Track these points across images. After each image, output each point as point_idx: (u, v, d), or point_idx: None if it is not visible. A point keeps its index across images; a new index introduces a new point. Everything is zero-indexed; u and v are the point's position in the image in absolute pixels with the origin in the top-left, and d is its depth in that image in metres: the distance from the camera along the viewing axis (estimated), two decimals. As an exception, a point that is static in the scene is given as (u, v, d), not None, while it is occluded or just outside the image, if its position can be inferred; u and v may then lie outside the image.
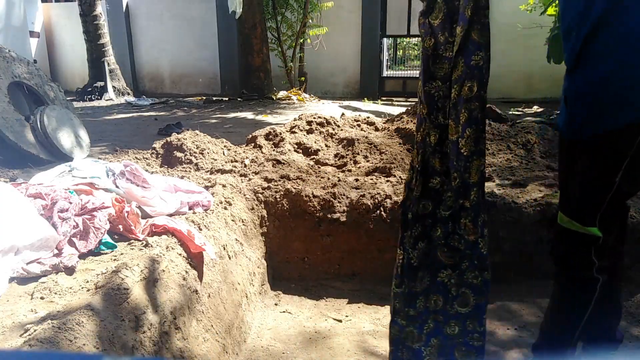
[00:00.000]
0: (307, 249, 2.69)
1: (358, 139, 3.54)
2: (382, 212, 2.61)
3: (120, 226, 1.93)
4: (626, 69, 1.32)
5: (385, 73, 10.41)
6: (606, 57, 1.34)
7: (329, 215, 2.64)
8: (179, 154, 3.28)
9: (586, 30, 1.35)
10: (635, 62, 1.30)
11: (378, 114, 6.26)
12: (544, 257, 2.54)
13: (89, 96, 9.25)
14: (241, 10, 7.89)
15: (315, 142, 3.63)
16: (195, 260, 1.90)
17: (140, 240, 1.89)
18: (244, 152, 3.50)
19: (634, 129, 1.32)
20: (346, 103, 8.36)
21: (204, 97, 9.34)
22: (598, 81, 1.37)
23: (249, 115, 7.05)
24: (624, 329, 2.14)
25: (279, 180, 2.85)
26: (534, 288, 2.46)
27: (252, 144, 3.64)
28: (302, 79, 9.57)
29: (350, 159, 3.37)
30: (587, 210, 1.45)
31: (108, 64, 9.56)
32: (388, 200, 2.63)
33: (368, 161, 3.32)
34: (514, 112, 6.98)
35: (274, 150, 3.50)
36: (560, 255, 1.56)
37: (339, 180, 2.87)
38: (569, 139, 1.50)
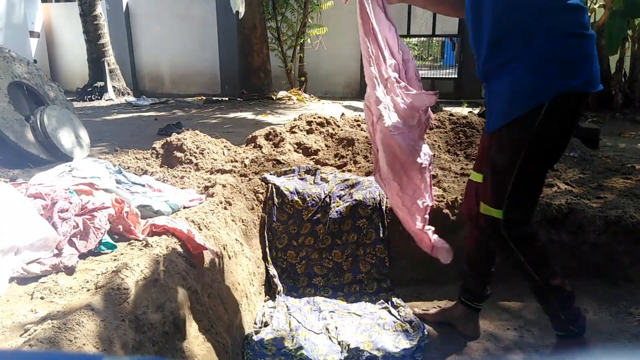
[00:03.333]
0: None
1: (358, 139, 3.54)
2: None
3: (120, 226, 1.93)
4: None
5: (385, 73, 10.39)
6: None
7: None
8: (179, 154, 3.28)
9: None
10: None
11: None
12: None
13: (89, 96, 9.26)
14: (244, 9, 7.90)
15: (315, 142, 3.63)
16: (195, 260, 1.90)
17: (140, 240, 1.89)
18: (244, 152, 3.50)
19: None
20: (346, 103, 8.36)
21: (204, 97, 9.34)
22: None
23: (249, 115, 7.05)
24: (624, 329, 2.14)
25: (279, 180, 2.85)
26: (534, 288, 2.46)
27: (252, 144, 3.64)
28: (302, 79, 9.58)
29: (350, 159, 3.37)
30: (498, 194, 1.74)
31: (108, 64, 9.57)
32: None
33: (368, 161, 3.32)
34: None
35: (274, 150, 3.50)
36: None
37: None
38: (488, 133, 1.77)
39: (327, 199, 2.69)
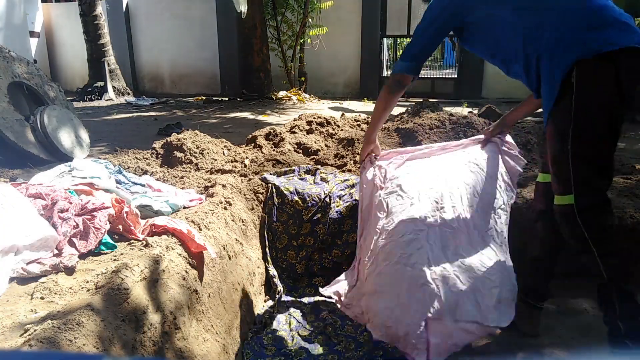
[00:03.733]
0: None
1: (358, 139, 3.54)
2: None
3: (120, 226, 1.93)
4: None
5: (385, 73, 10.40)
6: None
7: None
8: (179, 154, 3.28)
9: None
10: None
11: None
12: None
13: (89, 96, 9.26)
14: (246, 9, 7.89)
15: (315, 142, 3.63)
16: (195, 260, 1.90)
17: (140, 240, 1.89)
18: (244, 152, 3.50)
19: None
20: (346, 103, 8.36)
21: (204, 97, 9.34)
22: None
23: (249, 115, 7.05)
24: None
25: (279, 180, 2.85)
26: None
27: (252, 144, 3.64)
28: (302, 79, 9.58)
29: (350, 159, 3.37)
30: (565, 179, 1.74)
31: (108, 64, 9.57)
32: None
33: (368, 161, 3.32)
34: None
35: (274, 150, 3.51)
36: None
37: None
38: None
39: (327, 199, 2.69)
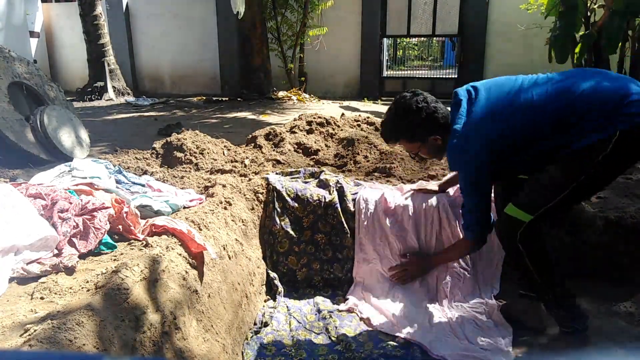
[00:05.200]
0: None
1: (358, 139, 3.54)
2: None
3: (120, 226, 1.93)
4: None
5: (385, 73, 10.40)
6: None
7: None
8: (179, 154, 3.28)
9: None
10: None
11: (378, 114, 6.27)
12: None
13: (89, 96, 9.25)
14: (244, 10, 7.89)
15: (315, 142, 3.63)
16: (195, 260, 1.90)
17: (140, 240, 1.89)
18: (244, 152, 3.50)
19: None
20: (346, 103, 8.36)
21: (204, 97, 9.34)
22: None
23: (249, 115, 7.05)
24: (624, 329, 2.14)
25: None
26: (534, 288, 2.46)
27: (252, 144, 3.64)
28: (302, 79, 9.58)
29: (350, 159, 3.37)
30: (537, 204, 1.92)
31: (108, 64, 9.56)
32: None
33: (368, 161, 3.32)
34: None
35: (274, 150, 3.51)
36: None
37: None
38: None
39: (329, 209, 2.66)
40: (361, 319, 2.34)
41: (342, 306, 2.45)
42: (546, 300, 2.04)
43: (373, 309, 2.40)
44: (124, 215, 1.93)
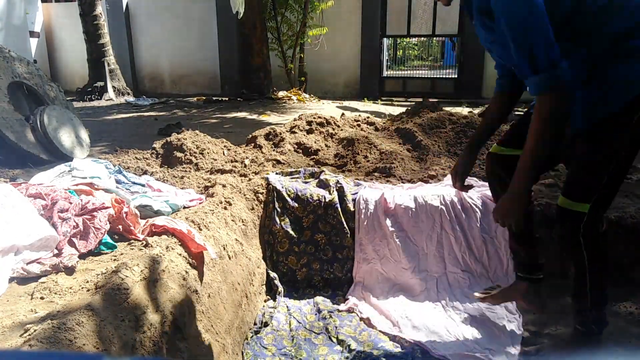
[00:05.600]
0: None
1: (358, 139, 3.54)
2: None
3: (120, 226, 1.93)
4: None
5: (385, 73, 10.39)
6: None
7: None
8: (179, 154, 3.28)
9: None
10: None
11: (378, 114, 6.26)
12: (545, 257, 2.54)
13: (89, 96, 9.25)
14: (243, 10, 7.89)
15: (315, 142, 3.63)
16: (195, 260, 1.90)
17: (140, 241, 1.89)
18: (244, 152, 3.50)
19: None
20: (346, 103, 8.36)
21: (204, 97, 9.34)
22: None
23: (249, 115, 7.05)
24: (624, 329, 2.14)
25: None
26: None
27: (252, 144, 3.64)
28: (302, 79, 9.57)
29: (350, 159, 3.37)
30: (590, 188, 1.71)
31: (108, 64, 9.56)
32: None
33: (368, 161, 3.32)
34: (516, 112, 6.97)
35: (274, 150, 3.50)
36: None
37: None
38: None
39: (329, 209, 2.66)
40: (361, 319, 2.34)
41: (342, 306, 2.45)
42: (581, 297, 1.88)
43: (373, 309, 2.40)
44: (124, 215, 1.93)
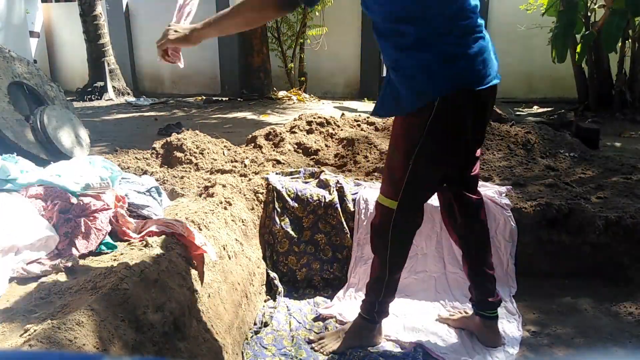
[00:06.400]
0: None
1: (358, 139, 3.54)
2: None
3: (117, 228, 1.93)
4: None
5: (385, 73, 10.39)
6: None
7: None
8: (178, 154, 3.28)
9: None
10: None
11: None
12: (544, 257, 2.54)
13: (89, 96, 9.25)
14: None
15: (315, 142, 3.63)
16: (195, 260, 1.90)
17: (140, 241, 1.89)
18: (244, 152, 3.50)
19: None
20: (346, 103, 8.36)
21: (204, 97, 9.34)
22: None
23: (249, 115, 7.05)
24: (624, 329, 2.14)
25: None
26: (533, 288, 2.46)
27: (252, 144, 3.64)
28: (302, 79, 9.57)
29: (350, 159, 3.37)
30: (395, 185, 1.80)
31: (108, 64, 9.56)
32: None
33: (368, 161, 3.32)
34: (517, 112, 6.98)
35: (274, 150, 3.51)
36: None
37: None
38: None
39: (329, 209, 2.66)
40: (343, 322, 2.27)
41: (322, 310, 2.40)
42: (376, 286, 1.98)
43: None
44: (115, 217, 1.93)
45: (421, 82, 1.64)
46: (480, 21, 1.68)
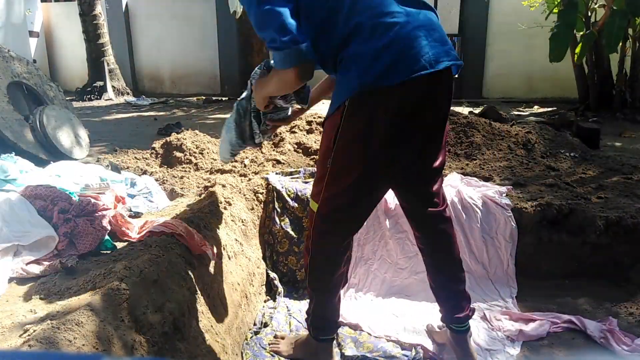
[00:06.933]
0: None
1: (358, 139, 3.53)
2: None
3: (116, 228, 1.93)
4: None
5: (385, 73, 10.39)
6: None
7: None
8: (178, 154, 3.27)
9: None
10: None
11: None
12: (544, 257, 2.54)
13: (89, 96, 9.25)
14: (241, 10, 7.89)
15: (315, 142, 3.62)
16: (195, 260, 1.90)
17: (140, 241, 1.88)
18: (243, 152, 3.49)
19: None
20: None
21: (204, 97, 9.34)
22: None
23: (248, 115, 7.03)
24: (624, 329, 2.13)
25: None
26: (534, 288, 2.46)
27: (252, 144, 3.63)
28: (302, 78, 9.57)
29: (350, 159, 3.37)
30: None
31: (108, 63, 9.56)
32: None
33: (368, 161, 3.31)
34: (516, 112, 6.98)
35: (274, 150, 3.50)
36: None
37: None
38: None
39: None
40: (349, 325, 2.26)
41: None
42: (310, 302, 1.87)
43: (363, 313, 2.35)
44: (115, 218, 1.93)
45: (338, 87, 1.59)
46: (394, 9, 1.46)
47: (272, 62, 1.65)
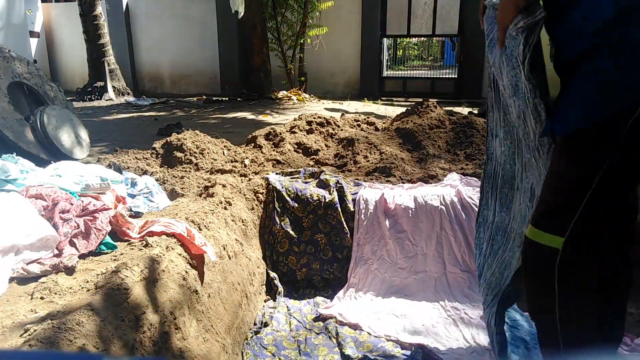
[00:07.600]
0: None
1: (358, 139, 3.54)
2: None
3: (117, 228, 1.93)
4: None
5: (385, 73, 10.39)
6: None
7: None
8: (179, 154, 3.28)
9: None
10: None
11: (378, 114, 6.26)
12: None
13: (89, 96, 9.25)
14: (243, 10, 7.89)
15: (315, 142, 3.63)
16: (195, 260, 1.90)
17: (140, 241, 1.89)
18: (244, 152, 3.50)
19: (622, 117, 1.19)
20: (346, 103, 8.36)
21: (204, 97, 9.33)
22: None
23: (249, 115, 7.04)
24: (624, 329, 2.13)
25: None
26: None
27: (252, 144, 3.64)
28: (302, 79, 9.57)
29: (350, 159, 3.37)
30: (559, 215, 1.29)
31: (108, 64, 9.56)
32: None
33: (368, 161, 3.32)
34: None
35: (274, 150, 3.51)
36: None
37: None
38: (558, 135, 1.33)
39: (329, 209, 2.66)
40: (348, 324, 2.27)
41: (323, 310, 2.40)
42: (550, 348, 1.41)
43: (362, 313, 2.35)
44: (116, 218, 1.93)
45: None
46: None
47: None
